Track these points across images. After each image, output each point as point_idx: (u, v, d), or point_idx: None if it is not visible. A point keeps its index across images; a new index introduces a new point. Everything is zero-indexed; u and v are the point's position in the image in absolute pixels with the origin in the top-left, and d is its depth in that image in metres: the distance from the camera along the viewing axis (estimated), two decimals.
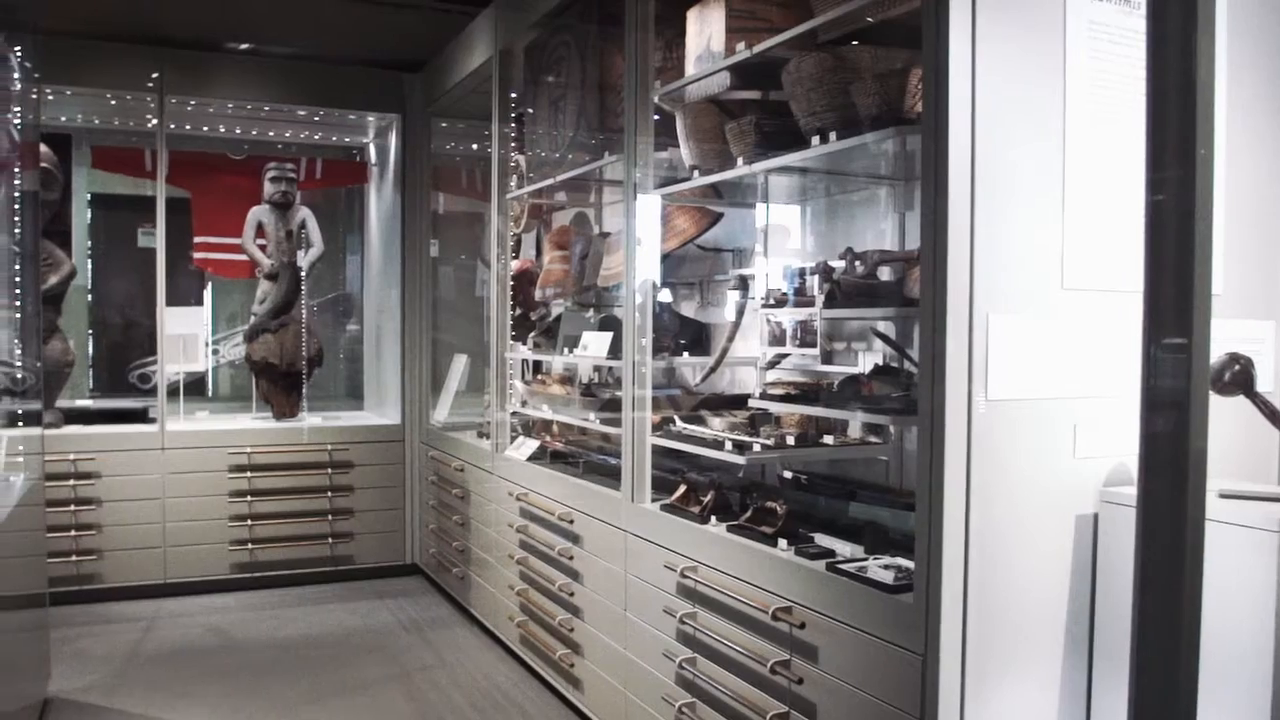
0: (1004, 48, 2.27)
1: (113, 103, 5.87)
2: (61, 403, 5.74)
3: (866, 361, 3.32)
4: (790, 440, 3.12)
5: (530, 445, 4.56)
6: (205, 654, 4.75)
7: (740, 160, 3.19)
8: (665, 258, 3.87)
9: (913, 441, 2.67)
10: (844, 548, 2.83)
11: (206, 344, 6.30)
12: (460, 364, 5.89)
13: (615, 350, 3.85)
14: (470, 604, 5.18)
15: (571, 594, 3.91)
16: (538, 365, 5.18)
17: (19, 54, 3.80)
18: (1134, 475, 1.91)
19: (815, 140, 2.84)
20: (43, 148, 4.88)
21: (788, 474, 3.49)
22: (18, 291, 3.74)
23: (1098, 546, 2.42)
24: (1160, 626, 1.51)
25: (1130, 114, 2.43)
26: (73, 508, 5.39)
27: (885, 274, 2.89)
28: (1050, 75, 2.37)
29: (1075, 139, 2.38)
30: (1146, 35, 1.51)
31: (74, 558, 5.38)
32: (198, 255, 6.35)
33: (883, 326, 3.16)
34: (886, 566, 2.52)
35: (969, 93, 2.22)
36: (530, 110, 4.83)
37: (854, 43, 2.92)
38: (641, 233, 3.59)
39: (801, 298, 3.11)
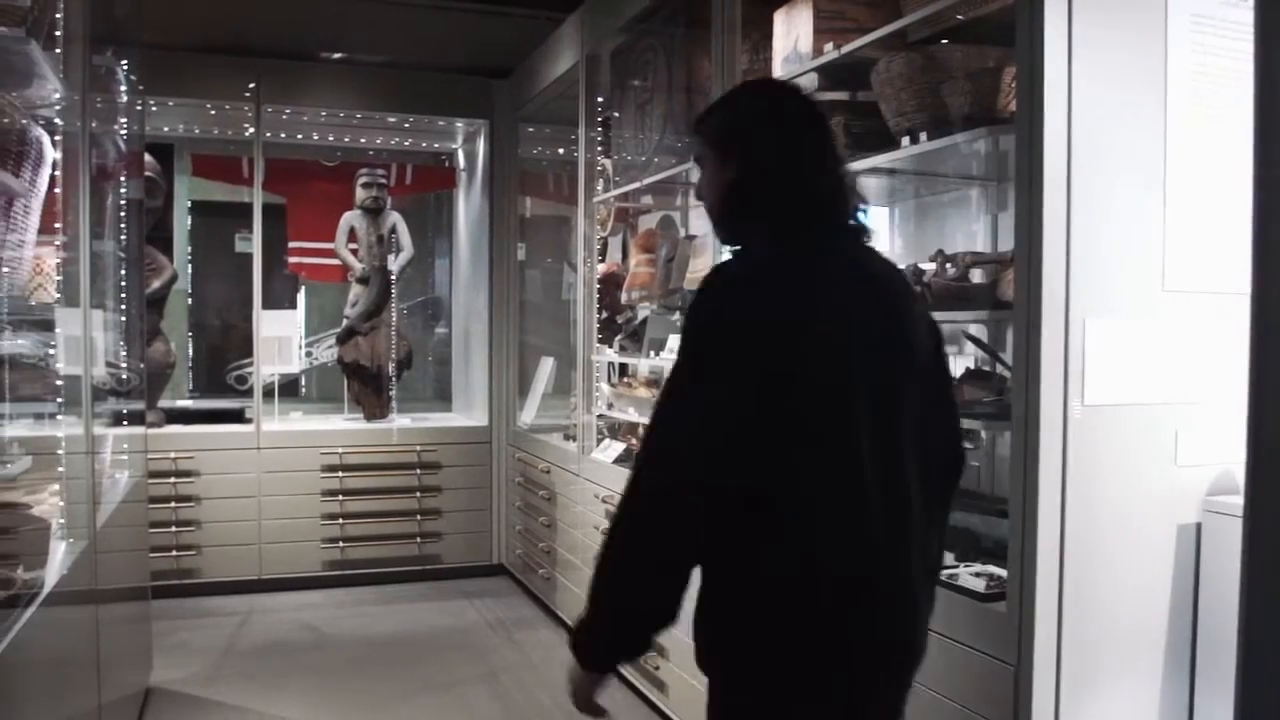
0: (1102, 42, 2.21)
1: (212, 112, 6.05)
2: (163, 403, 5.91)
3: (958, 365, 3.26)
4: None
5: (616, 448, 4.57)
6: (298, 649, 4.87)
7: None
8: None
9: (1005, 447, 2.62)
10: None
11: (300, 346, 6.44)
12: (547, 366, 5.93)
13: None
14: (556, 605, 5.22)
15: None
16: (624, 368, 5.19)
17: (125, 67, 3.93)
18: (1239, 484, 1.84)
19: (905, 141, 2.79)
20: (147, 157, 5.04)
21: None
22: (123, 295, 3.86)
23: (1200, 557, 2.34)
24: (1268, 641, 1.45)
25: (1235, 110, 2.35)
26: (173, 504, 5.55)
27: (977, 276, 2.83)
28: (1151, 70, 2.30)
29: (1177, 135, 2.31)
30: (1254, 27, 1.45)
31: (174, 553, 5.54)
32: (292, 260, 6.50)
33: (975, 329, 3.10)
34: (978, 574, 2.47)
35: (1065, 90, 2.17)
36: (617, 114, 4.85)
37: (944, 41, 2.87)
38: None
39: None
